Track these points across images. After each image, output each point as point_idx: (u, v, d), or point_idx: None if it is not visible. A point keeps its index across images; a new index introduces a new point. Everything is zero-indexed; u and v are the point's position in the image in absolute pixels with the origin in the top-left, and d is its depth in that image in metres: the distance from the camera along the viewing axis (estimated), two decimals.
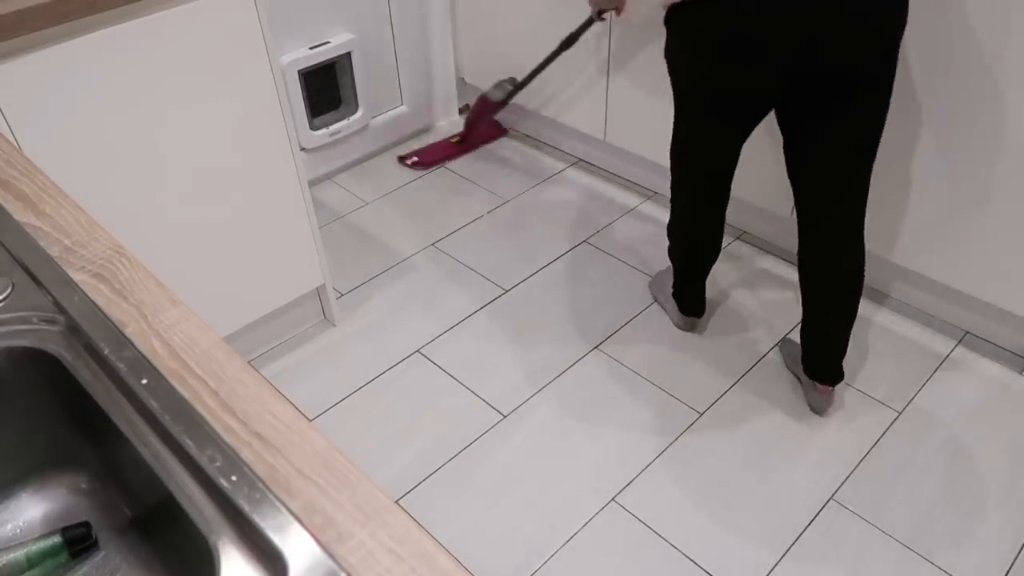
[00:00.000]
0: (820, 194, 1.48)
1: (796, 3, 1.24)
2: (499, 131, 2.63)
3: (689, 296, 1.83)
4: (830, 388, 1.67)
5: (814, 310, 1.60)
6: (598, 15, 1.92)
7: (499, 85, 2.38)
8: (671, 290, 1.88)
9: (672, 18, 1.42)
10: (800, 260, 1.58)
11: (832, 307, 1.57)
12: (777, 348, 1.84)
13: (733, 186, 2.07)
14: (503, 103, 2.38)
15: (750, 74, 1.35)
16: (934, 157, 1.66)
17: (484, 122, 2.52)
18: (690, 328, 1.90)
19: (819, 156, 1.43)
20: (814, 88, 1.34)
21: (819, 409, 1.69)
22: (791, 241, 2.08)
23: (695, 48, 1.40)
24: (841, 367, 1.64)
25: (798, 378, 1.75)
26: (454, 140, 2.55)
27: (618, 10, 1.82)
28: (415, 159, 2.48)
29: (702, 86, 1.44)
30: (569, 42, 2.07)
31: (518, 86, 2.31)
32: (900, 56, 1.55)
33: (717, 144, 1.54)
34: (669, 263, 2.04)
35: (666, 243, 2.15)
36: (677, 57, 1.46)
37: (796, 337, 1.86)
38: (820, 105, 1.36)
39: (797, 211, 1.54)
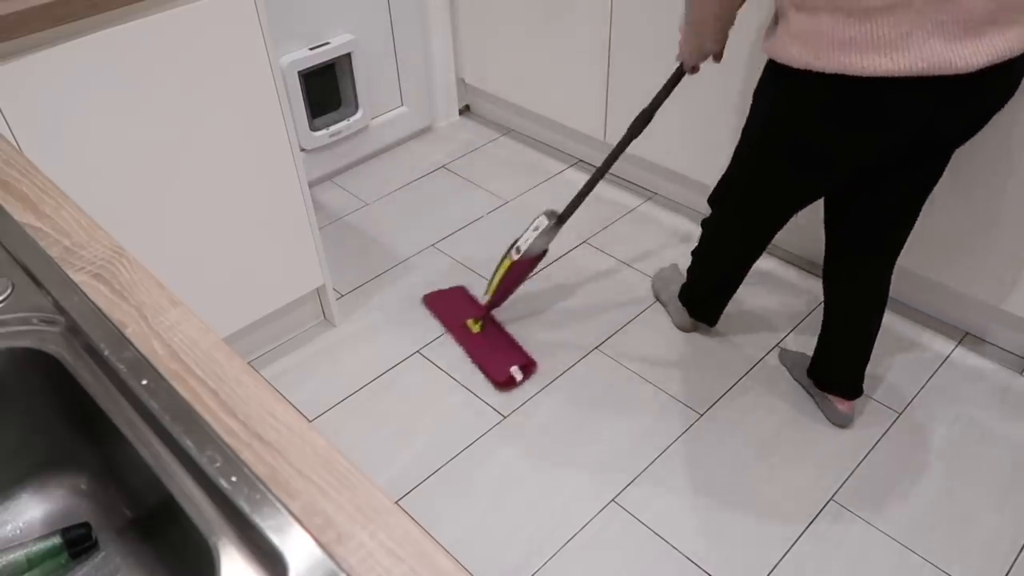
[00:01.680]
0: (870, 244, 1.44)
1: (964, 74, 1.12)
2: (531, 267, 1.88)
3: (710, 308, 1.80)
4: (852, 402, 1.65)
5: (839, 329, 1.59)
6: (693, 69, 1.54)
7: (542, 232, 1.75)
8: (677, 291, 1.86)
9: (789, 71, 1.23)
10: (830, 285, 1.56)
11: (860, 327, 1.56)
12: (778, 358, 1.82)
13: None
14: (543, 254, 1.80)
15: (874, 140, 1.24)
16: None
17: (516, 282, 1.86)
18: (692, 329, 1.89)
19: (882, 211, 1.39)
20: (922, 150, 1.28)
21: (844, 423, 1.66)
22: (791, 242, 2.08)
23: (817, 110, 1.24)
24: (863, 380, 1.63)
25: (807, 390, 1.73)
26: (474, 328, 1.89)
27: (717, 57, 1.50)
28: (520, 373, 1.79)
29: (810, 146, 1.30)
30: (655, 106, 1.63)
31: (565, 213, 1.77)
32: None
33: (797, 199, 1.44)
34: (674, 264, 2.03)
35: (671, 249, 2.15)
36: (783, 112, 1.31)
37: (791, 345, 1.86)
38: (913, 163, 1.31)
39: (835, 257, 1.51)
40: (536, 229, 1.75)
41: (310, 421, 1.72)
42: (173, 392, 0.63)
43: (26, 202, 0.83)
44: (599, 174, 1.70)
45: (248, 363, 0.63)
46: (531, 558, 1.46)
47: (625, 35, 2.08)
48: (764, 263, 2.08)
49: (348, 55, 2.27)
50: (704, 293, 1.78)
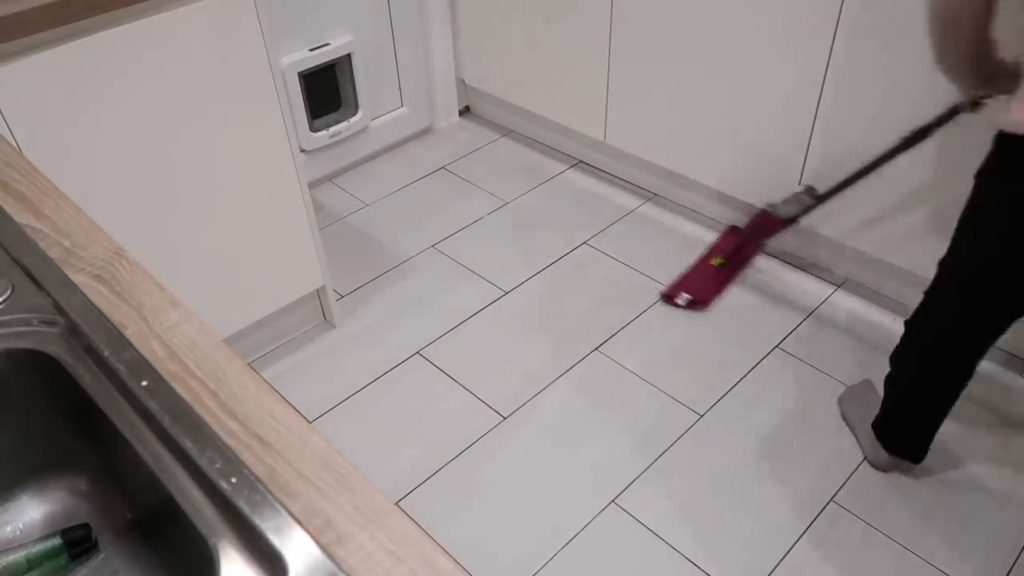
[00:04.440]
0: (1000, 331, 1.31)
1: None
2: (760, 247, 2.13)
3: (901, 434, 1.53)
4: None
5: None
6: (973, 105, 1.37)
7: (794, 198, 1.85)
8: (872, 419, 1.57)
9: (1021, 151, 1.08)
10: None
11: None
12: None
13: (732, 187, 2.08)
14: (793, 221, 1.88)
15: None
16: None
17: (759, 241, 2.07)
18: (889, 469, 1.58)
19: None
20: None
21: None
22: (792, 243, 2.08)
23: None
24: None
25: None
26: (716, 263, 2.06)
27: (1011, 90, 1.24)
28: (689, 298, 1.98)
29: None
30: (920, 136, 1.55)
31: (820, 198, 1.82)
32: None
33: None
34: (867, 381, 1.71)
35: (671, 250, 2.15)
36: (1014, 194, 1.15)
37: (791, 346, 1.86)
38: None
39: (992, 334, 1.34)
40: (794, 194, 1.85)
41: (310, 422, 1.72)
42: (173, 393, 0.63)
43: (26, 203, 0.82)
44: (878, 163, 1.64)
45: (248, 364, 0.63)
46: (531, 559, 1.46)
47: (625, 36, 2.08)
48: (764, 264, 2.08)
49: (348, 56, 2.27)
50: (917, 404, 1.48)
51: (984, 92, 1.32)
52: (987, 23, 1.08)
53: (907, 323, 1.44)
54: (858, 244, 1.89)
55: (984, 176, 1.20)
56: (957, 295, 1.32)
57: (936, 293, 1.36)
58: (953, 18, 1.09)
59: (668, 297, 1.99)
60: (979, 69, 1.16)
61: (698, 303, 1.96)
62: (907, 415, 1.50)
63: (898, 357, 1.47)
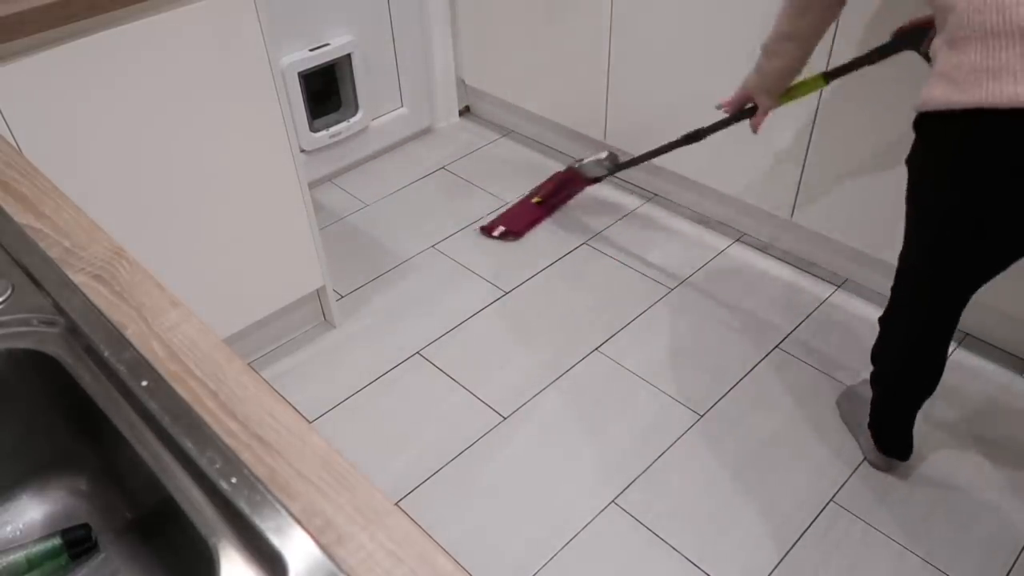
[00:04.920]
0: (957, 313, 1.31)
1: None
2: (583, 186, 2.38)
3: (889, 432, 1.54)
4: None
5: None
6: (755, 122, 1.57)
7: (598, 163, 2.19)
8: (867, 420, 1.58)
9: (932, 129, 1.09)
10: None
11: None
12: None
13: (730, 186, 2.08)
14: (595, 180, 2.26)
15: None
16: None
17: (568, 190, 2.33)
18: (888, 469, 1.58)
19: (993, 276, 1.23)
20: None
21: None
22: (789, 242, 2.09)
23: (960, 157, 1.07)
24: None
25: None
26: (535, 201, 2.30)
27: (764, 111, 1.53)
28: (502, 229, 2.22)
29: (965, 207, 1.12)
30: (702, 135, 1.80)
31: (620, 166, 2.12)
32: None
33: (971, 275, 1.24)
34: (866, 381, 1.68)
35: (671, 251, 2.15)
36: (930, 172, 1.16)
37: (791, 348, 1.86)
38: None
39: (951, 322, 1.34)
40: (597, 159, 2.19)
41: (310, 422, 1.72)
42: (173, 393, 0.63)
43: (26, 203, 0.82)
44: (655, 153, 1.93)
45: (248, 364, 0.63)
46: (531, 559, 1.46)
47: (625, 36, 2.08)
48: (762, 263, 2.08)
49: (348, 56, 2.27)
50: (888, 395, 1.50)
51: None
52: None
53: (880, 320, 1.46)
54: (858, 244, 1.89)
55: (910, 161, 1.21)
56: (912, 283, 1.33)
57: (896, 285, 1.38)
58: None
59: (486, 230, 2.22)
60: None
61: (511, 234, 2.20)
62: (889, 412, 1.51)
63: (875, 354, 1.49)
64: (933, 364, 1.41)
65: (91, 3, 1.23)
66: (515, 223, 2.23)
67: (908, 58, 1.49)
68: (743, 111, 1.61)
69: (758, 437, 1.66)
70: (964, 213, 1.12)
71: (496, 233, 2.21)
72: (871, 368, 1.51)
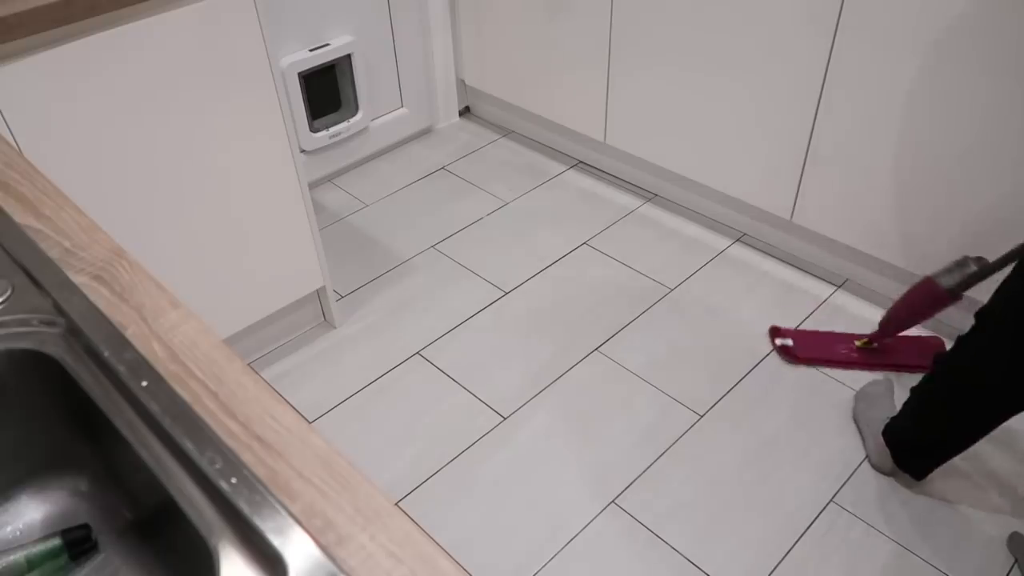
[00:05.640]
0: None
1: None
2: (934, 341, 1.82)
3: (920, 462, 1.50)
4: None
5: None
6: None
7: (955, 266, 1.56)
8: (882, 422, 1.55)
9: None
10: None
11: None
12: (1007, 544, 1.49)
13: (731, 186, 2.08)
14: (956, 296, 1.56)
15: None
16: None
17: (915, 322, 1.68)
18: (892, 474, 1.56)
19: None
20: None
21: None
22: (791, 243, 2.08)
23: None
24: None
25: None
26: (859, 343, 1.80)
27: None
28: (787, 343, 1.82)
29: None
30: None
31: (987, 269, 1.51)
32: None
33: None
34: (888, 380, 1.69)
35: (671, 251, 2.15)
36: None
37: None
38: None
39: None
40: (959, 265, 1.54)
41: (310, 423, 1.72)
42: (173, 394, 0.63)
43: (26, 203, 0.82)
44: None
45: (248, 365, 0.63)
46: (531, 559, 1.46)
47: (625, 36, 2.08)
48: (764, 264, 2.08)
49: (348, 56, 2.27)
50: (925, 443, 1.45)
51: None
52: None
53: (939, 362, 1.38)
54: (858, 244, 1.89)
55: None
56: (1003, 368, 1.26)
57: (984, 344, 1.29)
58: None
59: (775, 331, 1.85)
60: None
61: (790, 355, 1.79)
62: (931, 453, 1.48)
63: (930, 393, 1.41)
64: (1004, 419, 1.35)
65: (91, 4, 1.23)
66: (807, 348, 1.80)
67: (909, 60, 1.49)
68: None
69: (758, 437, 1.66)
70: None
71: (778, 342, 1.83)
72: (910, 400, 1.46)
